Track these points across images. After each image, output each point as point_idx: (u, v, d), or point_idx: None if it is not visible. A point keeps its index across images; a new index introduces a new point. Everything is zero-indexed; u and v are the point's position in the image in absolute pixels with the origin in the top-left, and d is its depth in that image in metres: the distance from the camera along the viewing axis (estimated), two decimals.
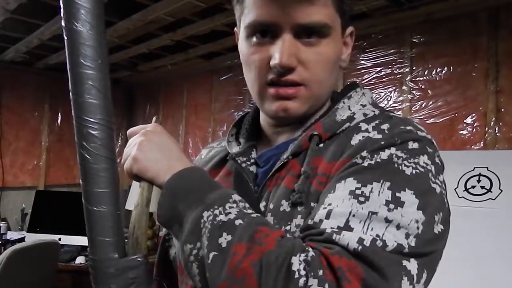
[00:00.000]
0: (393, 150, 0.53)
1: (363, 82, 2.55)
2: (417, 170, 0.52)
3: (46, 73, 3.82)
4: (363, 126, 0.59)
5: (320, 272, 0.43)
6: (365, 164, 0.52)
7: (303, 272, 0.44)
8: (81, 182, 0.54)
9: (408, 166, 0.52)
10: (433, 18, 2.31)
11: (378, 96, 2.50)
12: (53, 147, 3.93)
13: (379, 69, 2.53)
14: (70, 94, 0.52)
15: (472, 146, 2.15)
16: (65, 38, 0.51)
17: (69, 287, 3.03)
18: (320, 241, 0.47)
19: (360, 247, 0.45)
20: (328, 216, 0.49)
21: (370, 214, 0.48)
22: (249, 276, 0.44)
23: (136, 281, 0.52)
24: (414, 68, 2.39)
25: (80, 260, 2.94)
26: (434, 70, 2.31)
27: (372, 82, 2.54)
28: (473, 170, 2.04)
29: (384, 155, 0.53)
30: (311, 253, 0.45)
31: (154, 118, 0.66)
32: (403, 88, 2.42)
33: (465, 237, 1.90)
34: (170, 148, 0.59)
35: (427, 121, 2.30)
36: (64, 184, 3.98)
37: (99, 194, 0.52)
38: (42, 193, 3.55)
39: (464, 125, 2.19)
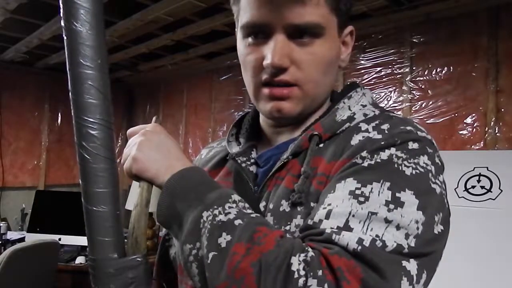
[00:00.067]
0: (393, 150, 0.53)
1: (363, 82, 2.55)
2: (417, 171, 0.52)
3: (46, 73, 3.82)
4: (363, 126, 0.59)
5: (320, 272, 0.43)
6: (365, 164, 0.52)
7: (302, 272, 0.44)
8: (80, 182, 0.54)
9: (408, 167, 0.52)
10: (433, 18, 2.31)
11: (378, 96, 2.50)
12: (53, 147, 3.93)
13: (379, 69, 2.53)
14: (70, 94, 0.52)
15: (472, 146, 2.15)
16: (65, 38, 0.51)
17: (69, 287, 3.03)
18: (320, 241, 0.47)
19: (360, 247, 0.45)
20: (327, 216, 0.49)
21: (369, 214, 0.48)
22: (248, 276, 0.44)
23: (136, 281, 0.52)
24: (414, 68, 2.39)
25: (80, 260, 2.95)
26: (434, 70, 2.31)
27: (372, 82, 2.54)
28: (473, 170, 2.04)
29: (384, 155, 0.53)
30: (311, 253, 0.45)
31: (154, 118, 0.66)
32: (403, 88, 2.42)
33: (465, 237, 1.90)
34: (170, 148, 0.59)
35: (427, 121, 2.30)
36: (64, 184, 3.98)
37: (98, 194, 0.52)
38: (42, 193, 3.56)
39: (464, 125, 2.19)
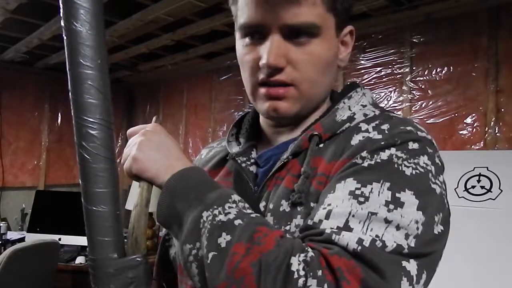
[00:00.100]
0: (393, 150, 0.53)
1: (363, 82, 2.55)
2: (417, 171, 0.52)
3: (46, 73, 3.82)
4: (363, 126, 0.59)
5: (319, 273, 0.43)
6: (365, 164, 0.52)
7: (302, 273, 0.44)
8: (80, 182, 0.54)
9: (408, 167, 0.52)
10: (433, 18, 2.31)
11: (378, 96, 2.50)
12: (53, 147, 3.93)
13: (379, 69, 2.53)
14: (70, 94, 0.52)
15: (472, 146, 2.15)
16: (65, 38, 0.51)
17: (69, 287, 3.03)
18: (320, 241, 0.47)
19: (360, 248, 0.45)
20: (327, 216, 0.49)
21: (369, 214, 0.48)
22: (248, 276, 0.44)
23: (135, 280, 0.52)
24: (414, 68, 2.39)
25: (80, 260, 2.95)
26: (434, 70, 2.31)
27: (372, 82, 2.54)
28: (473, 170, 2.04)
29: (384, 155, 0.53)
30: (310, 253, 0.45)
31: (154, 118, 0.66)
32: (403, 88, 2.42)
33: (465, 237, 1.90)
34: (170, 147, 0.59)
35: (427, 121, 2.30)
36: (64, 184, 3.98)
37: (98, 194, 0.52)
38: (42, 193, 3.56)
39: (464, 125, 2.19)
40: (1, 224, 3.09)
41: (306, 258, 0.45)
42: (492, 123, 2.09)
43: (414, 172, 0.52)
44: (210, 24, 2.53)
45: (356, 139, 0.57)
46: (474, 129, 2.15)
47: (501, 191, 1.93)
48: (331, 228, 0.47)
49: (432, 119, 2.29)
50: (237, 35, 0.64)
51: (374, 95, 2.31)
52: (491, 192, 1.96)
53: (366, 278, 0.43)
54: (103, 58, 0.52)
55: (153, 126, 0.62)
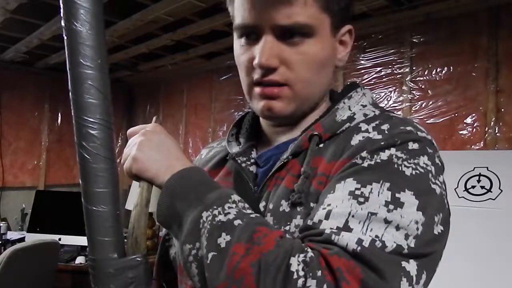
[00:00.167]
0: (393, 150, 0.53)
1: (363, 82, 2.55)
2: (417, 171, 0.52)
3: (46, 73, 3.82)
4: (363, 126, 0.59)
5: (319, 273, 0.43)
6: (365, 164, 0.52)
7: (301, 273, 0.44)
8: (80, 182, 0.54)
9: (408, 167, 0.52)
10: (433, 18, 2.31)
11: (378, 96, 2.50)
12: (53, 147, 3.93)
13: (379, 69, 2.53)
14: (70, 94, 0.52)
15: (472, 146, 2.15)
16: (65, 38, 0.51)
17: (69, 287, 3.03)
18: (319, 241, 0.47)
19: (359, 248, 0.45)
20: (327, 216, 0.49)
21: (369, 214, 0.48)
22: (248, 276, 0.44)
23: (135, 280, 0.52)
24: (414, 68, 2.39)
25: (80, 260, 2.95)
26: (434, 70, 2.31)
27: (372, 82, 2.54)
28: (473, 170, 2.04)
29: (384, 155, 0.53)
30: (310, 253, 0.45)
31: (154, 118, 0.66)
32: (403, 88, 2.42)
33: (465, 237, 1.90)
34: (170, 148, 0.59)
35: (427, 121, 2.30)
36: (64, 184, 3.98)
37: (98, 194, 0.52)
38: (42, 193, 3.56)
39: (464, 125, 2.19)
40: (1, 224, 3.09)
41: (305, 258, 0.45)
42: (492, 123, 2.09)
43: (414, 172, 0.52)
44: (210, 24, 2.53)
45: (356, 139, 0.57)
46: (474, 129, 2.15)
47: (501, 191, 1.93)
48: (331, 229, 0.47)
49: (432, 119, 2.29)
50: (234, 35, 0.64)
51: (374, 95, 2.31)
52: (491, 192, 1.96)
53: (365, 279, 0.43)
54: (103, 58, 0.52)
55: (153, 126, 0.62)
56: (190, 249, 0.50)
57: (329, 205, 0.50)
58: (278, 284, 0.43)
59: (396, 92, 2.46)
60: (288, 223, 0.55)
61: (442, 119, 2.26)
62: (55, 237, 2.88)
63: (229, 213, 0.50)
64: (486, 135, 2.11)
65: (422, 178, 0.52)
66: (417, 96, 2.36)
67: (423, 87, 2.35)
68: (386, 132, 0.56)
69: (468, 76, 2.19)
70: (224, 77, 3.49)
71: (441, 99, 2.27)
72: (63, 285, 2.98)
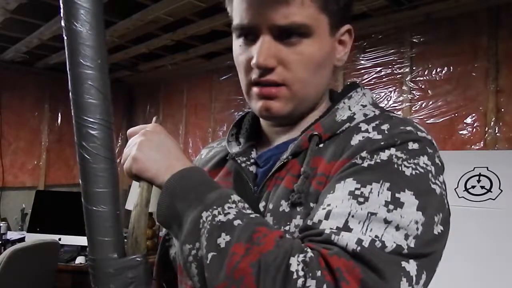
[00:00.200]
0: (393, 150, 0.53)
1: (363, 82, 2.55)
2: (417, 171, 0.52)
3: (46, 73, 3.82)
4: (363, 126, 0.59)
5: (319, 273, 0.43)
6: (365, 164, 0.52)
7: (301, 273, 0.44)
8: (80, 182, 0.54)
9: (408, 167, 0.52)
10: (433, 18, 2.31)
11: (378, 96, 2.50)
12: (53, 147, 3.93)
13: (379, 69, 2.53)
14: (70, 94, 0.52)
15: (472, 146, 2.15)
16: (65, 38, 0.51)
17: (69, 287, 3.03)
18: (319, 241, 0.47)
19: (359, 248, 0.45)
20: (327, 216, 0.49)
21: (369, 214, 0.48)
22: (248, 277, 0.44)
23: (135, 280, 0.52)
24: (414, 68, 2.39)
25: (80, 260, 2.95)
26: (434, 70, 2.31)
27: (372, 82, 2.54)
28: (473, 170, 2.04)
29: (384, 155, 0.53)
30: (310, 253, 0.45)
31: (154, 118, 0.66)
32: (403, 88, 2.42)
33: (465, 237, 1.90)
34: (170, 148, 0.59)
35: (427, 121, 2.30)
36: (64, 184, 3.98)
37: (98, 194, 0.52)
38: (42, 193, 3.56)
39: (464, 125, 2.19)
40: (1, 224, 3.09)
41: (305, 258, 0.45)
42: (492, 123, 2.09)
43: (414, 172, 0.52)
44: (210, 24, 2.53)
45: (356, 139, 0.57)
46: (474, 129, 2.15)
47: (501, 191, 1.93)
48: (331, 229, 0.47)
49: (432, 119, 2.29)
50: (233, 35, 0.64)
51: (374, 95, 2.31)
52: (491, 192, 1.96)
53: (365, 279, 0.43)
54: (103, 58, 0.52)
55: (153, 126, 0.62)
56: (190, 249, 0.50)
57: (329, 205, 0.50)
58: (278, 284, 0.43)
59: (396, 92, 2.46)
60: (288, 223, 0.55)
61: (442, 119, 2.26)
62: (55, 237, 2.88)
63: (229, 213, 0.50)
64: (486, 135, 2.11)
65: (422, 178, 0.52)
66: (417, 96, 2.36)
67: (423, 87, 2.35)
68: (386, 132, 0.56)
69: (468, 76, 2.19)
70: (224, 77, 3.49)
71: (441, 99, 2.27)
72: (63, 285, 2.98)
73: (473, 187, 2.02)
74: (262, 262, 0.45)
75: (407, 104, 2.40)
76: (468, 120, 2.17)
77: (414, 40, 2.40)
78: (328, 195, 0.52)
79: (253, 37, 0.60)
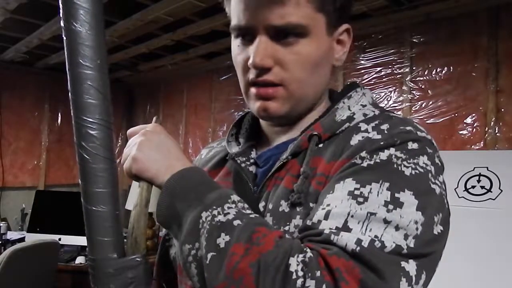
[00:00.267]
0: (392, 150, 0.53)
1: (363, 82, 2.55)
2: (417, 171, 0.52)
3: (46, 73, 3.82)
4: (363, 126, 0.59)
5: (318, 273, 0.43)
6: (364, 164, 0.52)
7: (301, 273, 0.44)
8: (80, 182, 0.54)
9: (407, 167, 0.52)
10: (433, 18, 2.31)
11: (378, 96, 2.50)
12: (53, 147, 3.93)
13: (379, 69, 2.53)
14: (69, 94, 0.52)
15: (472, 146, 2.15)
16: (64, 38, 0.51)
17: (69, 287, 3.03)
18: (319, 241, 0.47)
19: (358, 248, 0.45)
20: (326, 216, 0.49)
21: (368, 214, 0.48)
22: (247, 277, 0.44)
23: (135, 281, 0.52)
24: (414, 68, 2.39)
25: (80, 260, 2.95)
26: (434, 70, 2.31)
27: (372, 82, 2.54)
28: (473, 170, 2.04)
29: (383, 155, 0.53)
30: (309, 254, 0.45)
31: (154, 118, 0.66)
32: (403, 88, 2.42)
33: (465, 237, 1.90)
34: (170, 148, 0.59)
35: (427, 121, 2.30)
36: (64, 184, 3.98)
37: (98, 194, 0.52)
38: (42, 193, 3.56)
39: (464, 125, 2.19)
40: (1, 224, 3.09)
41: (304, 258, 0.45)
42: (492, 123, 2.09)
43: (413, 172, 0.52)
44: (210, 24, 2.53)
45: (355, 139, 0.57)
46: (474, 129, 2.15)
47: (501, 191, 1.93)
48: (330, 229, 0.47)
49: (432, 119, 2.29)
50: (232, 36, 0.65)
51: (374, 95, 2.31)
52: (491, 192, 1.96)
53: (364, 279, 0.43)
54: (103, 58, 0.52)
55: (153, 126, 0.62)
56: (189, 249, 0.50)
57: (328, 205, 0.50)
58: (277, 284, 0.43)
59: (396, 92, 2.46)
60: (288, 223, 0.55)
61: (442, 119, 2.26)
62: (55, 237, 2.88)
63: (228, 213, 0.50)
64: (486, 135, 2.11)
65: (421, 178, 0.52)
66: (417, 96, 2.36)
67: (423, 87, 2.35)
68: (386, 132, 0.56)
69: (468, 76, 2.19)
70: (224, 77, 3.49)
71: (441, 99, 2.27)
72: (63, 285, 2.98)
73: (473, 187, 2.02)
74: (262, 262, 0.45)
75: (407, 104, 2.40)
76: (468, 120, 2.17)
77: (414, 40, 2.40)
78: (328, 195, 0.52)
79: (250, 37, 0.60)
